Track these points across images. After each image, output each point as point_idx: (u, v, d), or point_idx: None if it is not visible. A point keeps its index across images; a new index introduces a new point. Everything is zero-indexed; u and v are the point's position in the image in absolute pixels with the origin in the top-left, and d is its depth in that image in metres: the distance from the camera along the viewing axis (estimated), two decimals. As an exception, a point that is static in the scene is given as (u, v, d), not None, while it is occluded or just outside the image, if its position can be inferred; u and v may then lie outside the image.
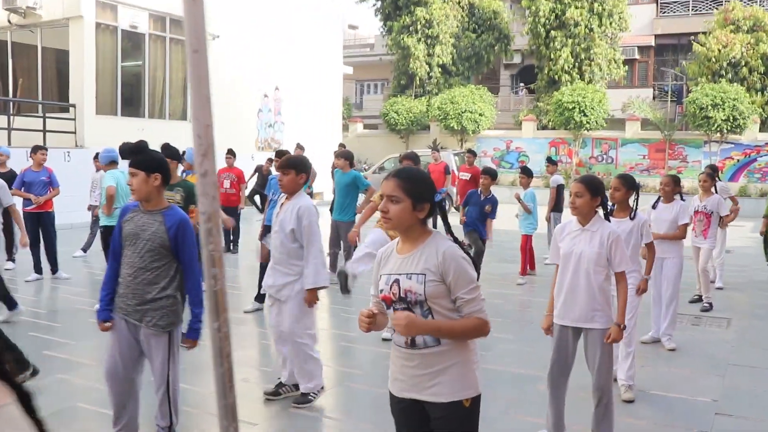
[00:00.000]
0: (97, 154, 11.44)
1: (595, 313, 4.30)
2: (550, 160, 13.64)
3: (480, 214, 8.81)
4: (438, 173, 15.77)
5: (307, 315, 4.97)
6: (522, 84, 34.43)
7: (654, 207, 6.83)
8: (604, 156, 26.46)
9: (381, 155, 26.51)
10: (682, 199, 6.84)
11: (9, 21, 17.50)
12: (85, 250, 11.74)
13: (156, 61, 18.89)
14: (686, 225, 6.67)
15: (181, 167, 9.20)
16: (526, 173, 10.89)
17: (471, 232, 8.92)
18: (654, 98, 29.54)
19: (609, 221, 4.53)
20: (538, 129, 28.02)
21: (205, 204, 2.07)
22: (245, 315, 7.95)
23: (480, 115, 27.44)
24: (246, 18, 20.98)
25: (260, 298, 7.88)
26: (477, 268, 8.33)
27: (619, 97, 28.14)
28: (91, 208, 11.39)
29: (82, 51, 16.65)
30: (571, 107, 25.31)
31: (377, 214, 8.88)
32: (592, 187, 4.33)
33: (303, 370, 5.02)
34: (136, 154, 3.87)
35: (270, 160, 11.92)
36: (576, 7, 26.89)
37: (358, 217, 8.80)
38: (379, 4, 31.99)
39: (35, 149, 10.30)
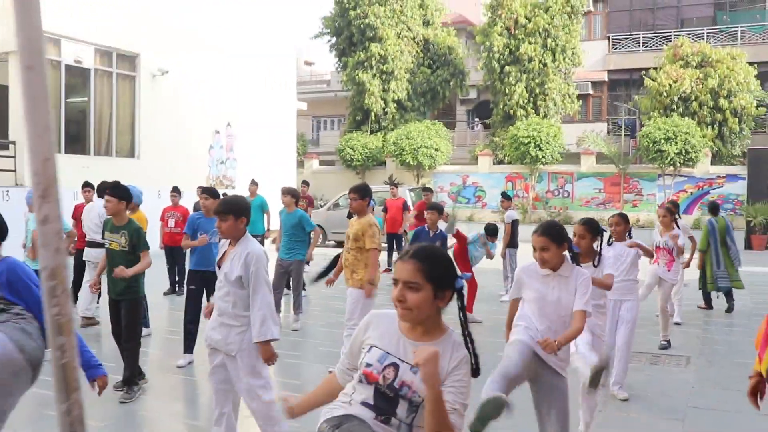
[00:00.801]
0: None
1: (562, 360, 4.08)
2: (504, 195, 13.42)
3: None
4: (396, 209, 15.35)
5: (262, 366, 4.46)
6: (477, 119, 34.54)
7: (609, 244, 6.52)
8: (561, 190, 26.48)
9: (337, 191, 26.08)
10: (629, 236, 6.54)
11: (-53, 56, 16.86)
12: None
13: (102, 96, 18.37)
14: (611, 275, 6.30)
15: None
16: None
17: None
18: (608, 132, 29.78)
19: (578, 264, 4.31)
20: (494, 164, 27.98)
21: (46, 257, 1.68)
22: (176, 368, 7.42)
23: (436, 150, 27.33)
24: (197, 53, 20.59)
25: (189, 348, 7.38)
26: None
27: (574, 131, 28.31)
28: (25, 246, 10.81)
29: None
30: (526, 142, 25.34)
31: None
32: (558, 237, 4.06)
33: (269, 421, 4.51)
34: None
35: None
36: (530, 43, 27.08)
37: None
38: (333, 40, 31.91)
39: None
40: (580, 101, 29.31)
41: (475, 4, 31.24)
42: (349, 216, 6.88)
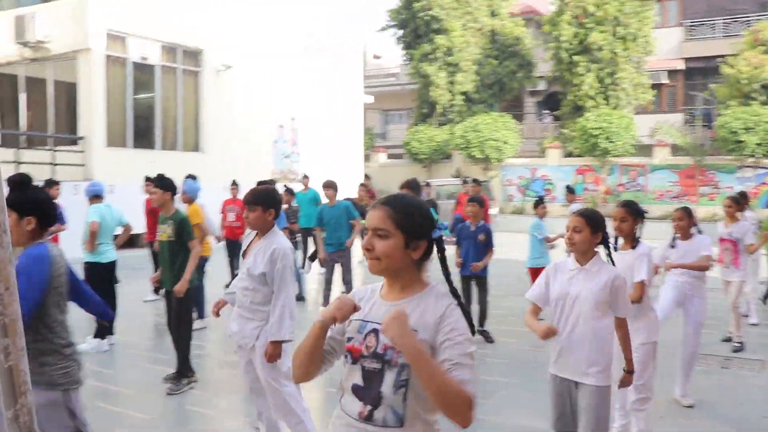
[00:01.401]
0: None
1: (591, 367, 3.73)
2: (569, 189, 13.03)
3: (477, 249, 8.06)
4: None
5: (282, 360, 4.32)
6: (547, 111, 33.76)
7: (673, 246, 6.08)
8: (633, 183, 25.61)
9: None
10: (699, 231, 6.09)
11: (20, 55, 17.37)
12: None
13: (168, 92, 18.63)
14: (709, 256, 5.92)
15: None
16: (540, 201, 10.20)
17: (471, 278, 8.13)
18: (684, 123, 28.65)
19: (612, 262, 4.02)
20: (563, 156, 27.28)
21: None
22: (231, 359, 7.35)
23: (504, 143, 26.81)
24: (260, 47, 20.69)
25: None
26: (485, 313, 7.47)
27: (648, 122, 27.33)
28: None
29: (90, 83, 16.43)
30: (596, 134, 24.57)
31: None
32: (593, 222, 3.83)
33: (289, 415, 4.38)
34: (14, 189, 3.29)
35: (287, 191, 11.38)
36: (599, 32, 26.22)
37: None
38: (400, 32, 31.68)
39: (48, 184, 9.96)
40: (654, 91, 28.24)
41: (544, -7, 30.48)
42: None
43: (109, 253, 7.77)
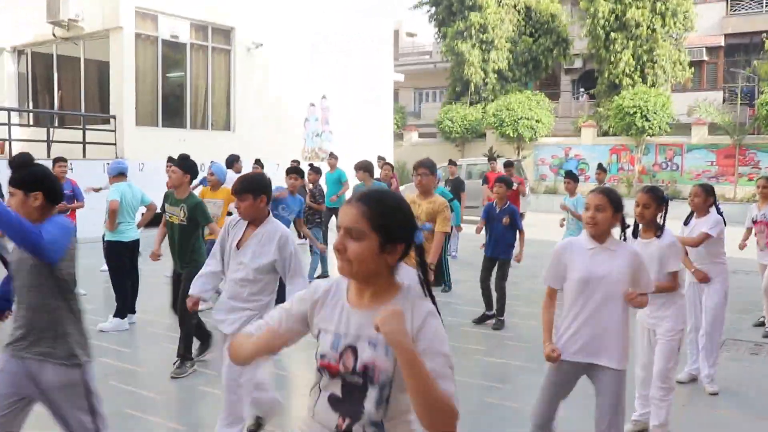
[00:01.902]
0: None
1: (612, 349, 3.64)
2: (600, 167, 12.72)
3: (501, 231, 7.84)
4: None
5: None
6: (582, 89, 33.18)
7: (686, 223, 5.89)
8: (669, 163, 25.08)
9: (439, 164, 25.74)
10: (718, 212, 5.85)
11: (53, 34, 17.51)
12: None
13: (198, 70, 18.64)
14: (708, 235, 5.66)
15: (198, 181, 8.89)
16: (572, 177, 9.96)
17: (495, 260, 7.89)
18: (723, 101, 27.93)
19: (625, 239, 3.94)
20: (598, 135, 26.81)
21: None
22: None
23: (537, 121, 26.45)
24: (291, 25, 20.58)
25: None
26: (503, 301, 7.22)
27: (686, 100, 26.72)
28: None
29: (121, 62, 16.49)
30: (632, 112, 24.08)
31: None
32: (615, 202, 3.69)
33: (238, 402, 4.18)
34: (17, 170, 3.24)
35: (312, 169, 11.20)
36: (637, 7, 25.61)
37: None
38: (433, 9, 31.30)
39: (55, 161, 9.99)
40: (693, 68, 27.54)
41: (581, -32, 29.77)
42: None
43: (130, 232, 7.76)
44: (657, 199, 4.60)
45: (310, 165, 11.12)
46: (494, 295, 7.89)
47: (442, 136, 29.46)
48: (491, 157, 16.22)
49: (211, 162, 9.29)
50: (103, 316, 7.79)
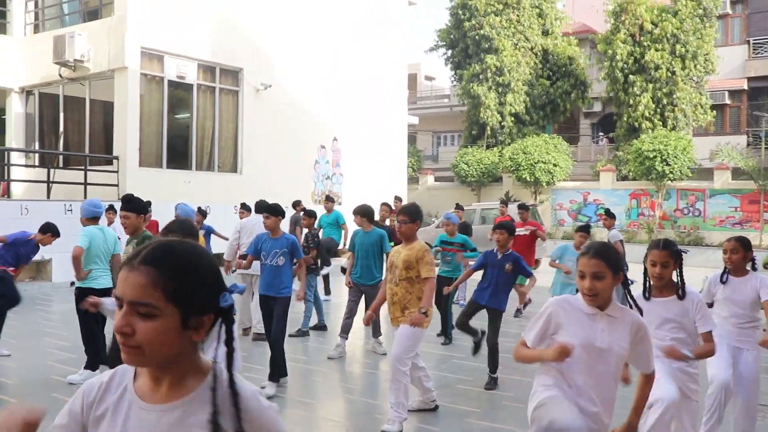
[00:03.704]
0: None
1: (603, 427, 3.12)
2: (608, 213, 12.11)
3: (504, 278, 7.23)
4: None
5: None
6: (602, 133, 32.63)
7: (723, 281, 5.04)
8: (691, 208, 24.31)
9: (451, 208, 25.18)
10: (754, 267, 5.06)
11: (60, 75, 17.34)
12: None
13: (205, 111, 18.34)
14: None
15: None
16: (586, 231, 9.33)
17: (483, 308, 7.18)
18: (747, 145, 27.21)
19: (631, 305, 3.34)
20: (617, 180, 26.15)
21: None
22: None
23: (554, 165, 25.88)
24: (301, 66, 20.32)
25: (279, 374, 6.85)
26: (495, 356, 6.53)
27: (708, 144, 26.06)
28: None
29: (126, 102, 16.22)
30: (652, 156, 23.43)
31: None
32: (615, 263, 3.11)
33: None
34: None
35: (306, 214, 10.64)
36: (656, 50, 25.14)
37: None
38: (449, 53, 31.08)
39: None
40: (715, 112, 26.92)
41: (598, 11, 29.44)
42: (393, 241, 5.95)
43: (102, 279, 7.20)
44: (674, 255, 4.03)
45: (304, 209, 10.55)
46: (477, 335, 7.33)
47: (459, 180, 28.96)
48: (503, 202, 15.56)
49: (178, 204, 8.84)
50: (78, 367, 7.28)
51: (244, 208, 10.89)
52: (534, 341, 3.21)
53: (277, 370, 6.67)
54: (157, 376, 1.50)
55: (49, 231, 8.21)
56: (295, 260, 7.02)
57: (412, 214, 5.68)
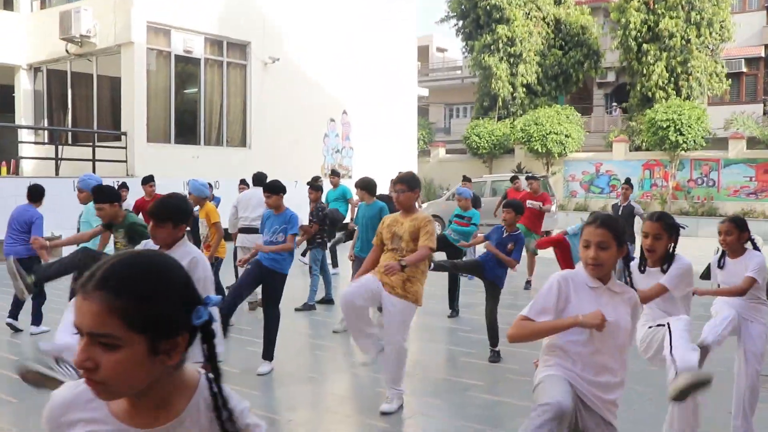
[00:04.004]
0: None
1: (612, 406, 3.11)
2: (627, 182, 12.18)
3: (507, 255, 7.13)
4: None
5: None
6: (615, 103, 32.24)
7: (720, 266, 4.85)
8: (705, 178, 24.02)
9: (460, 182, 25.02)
10: (755, 247, 4.84)
11: (67, 51, 17.27)
12: None
13: (213, 86, 18.24)
14: (753, 279, 4.71)
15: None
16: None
17: (484, 278, 7.12)
18: (764, 113, 26.79)
19: (628, 281, 3.38)
20: (630, 150, 25.86)
21: None
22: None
23: (566, 136, 25.59)
24: (310, 39, 20.13)
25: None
26: (494, 331, 6.40)
27: (724, 114, 25.67)
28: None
29: (132, 77, 16.14)
30: (665, 126, 23.11)
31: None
32: (620, 234, 3.01)
33: None
34: None
35: (312, 188, 10.47)
36: (671, 17, 24.70)
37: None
38: (460, 23, 30.70)
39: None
40: (731, 80, 26.48)
41: (612, -22, 28.96)
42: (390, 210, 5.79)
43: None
44: (669, 229, 3.93)
45: (308, 183, 10.42)
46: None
47: (470, 152, 28.75)
48: (515, 176, 15.35)
49: (190, 180, 8.77)
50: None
51: (243, 183, 10.91)
52: (539, 315, 3.06)
53: (269, 348, 6.59)
54: (133, 402, 1.36)
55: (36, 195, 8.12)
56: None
57: (410, 182, 5.55)
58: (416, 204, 5.67)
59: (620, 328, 2.97)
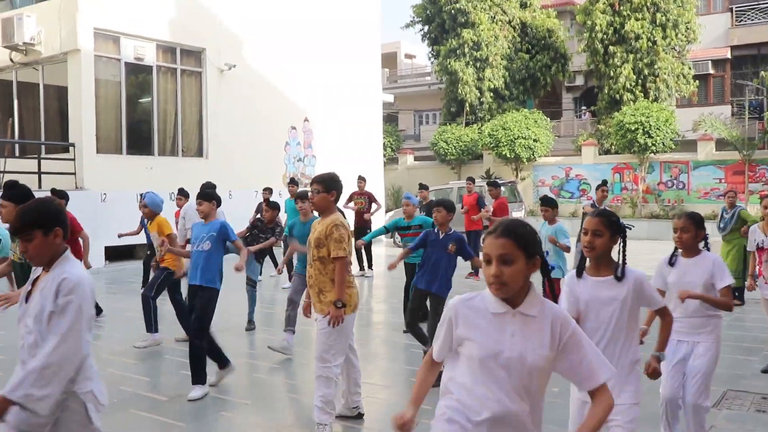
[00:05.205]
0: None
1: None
2: (604, 183, 11.93)
3: (447, 259, 6.62)
4: (470, 206, 14.25)
5: None
6: (584, 107, 31.99)
7: (671, 263, 4.47)
8: (675, 181, 23.75)
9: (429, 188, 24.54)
10: (707, 248, 4.50)
11: (11, 59, 16.56)
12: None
13: (166, 94, 17.57)
14: (729, 288, 4.38)
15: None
16: (549, 204, 8.62)
17: (428, 294, 6.60)
18: (732, 115, 26.62)
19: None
20: (600, 154, 25.54)
21: None
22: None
23: (535, 141, 25.20)
24: (268, 45, 19.54)
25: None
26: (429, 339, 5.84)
27: (692, 116, 25.42)
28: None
29: (80, 86, 15.45)
30: (633, 128, 22.81)
31: None
32: (527, 243, 2.43)
33: None
34: None
35: (268, 205, 9.82)
36: (636, 19, 24.45)
37: None
38: (426, 28, 30.29)
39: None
40: (698, 82, 26.29)
41: (577, -19, 28.76)
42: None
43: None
44: (612, 227, 3.43)
45: (263, 200, 9.90)
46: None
47: (438, 159, 28.28)
48: (470, 179, 15.14)
49: (145, 192, 8.20)
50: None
51: (181, 194, 10.31)
52: (439, 354, 2.59)
53: (198, 372, 6.00)
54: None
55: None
56: (228, 243, 6.33)
57: (326, 182, 5.02)
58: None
59: (524, 364, 2.36)
